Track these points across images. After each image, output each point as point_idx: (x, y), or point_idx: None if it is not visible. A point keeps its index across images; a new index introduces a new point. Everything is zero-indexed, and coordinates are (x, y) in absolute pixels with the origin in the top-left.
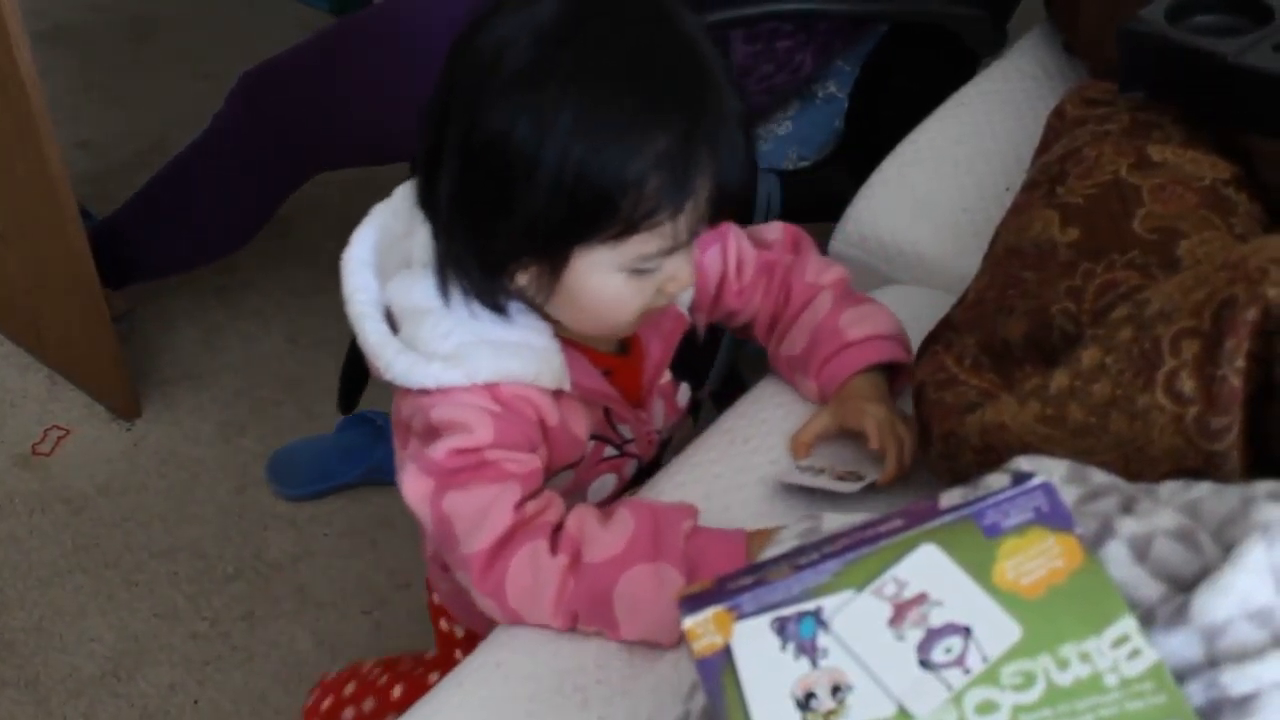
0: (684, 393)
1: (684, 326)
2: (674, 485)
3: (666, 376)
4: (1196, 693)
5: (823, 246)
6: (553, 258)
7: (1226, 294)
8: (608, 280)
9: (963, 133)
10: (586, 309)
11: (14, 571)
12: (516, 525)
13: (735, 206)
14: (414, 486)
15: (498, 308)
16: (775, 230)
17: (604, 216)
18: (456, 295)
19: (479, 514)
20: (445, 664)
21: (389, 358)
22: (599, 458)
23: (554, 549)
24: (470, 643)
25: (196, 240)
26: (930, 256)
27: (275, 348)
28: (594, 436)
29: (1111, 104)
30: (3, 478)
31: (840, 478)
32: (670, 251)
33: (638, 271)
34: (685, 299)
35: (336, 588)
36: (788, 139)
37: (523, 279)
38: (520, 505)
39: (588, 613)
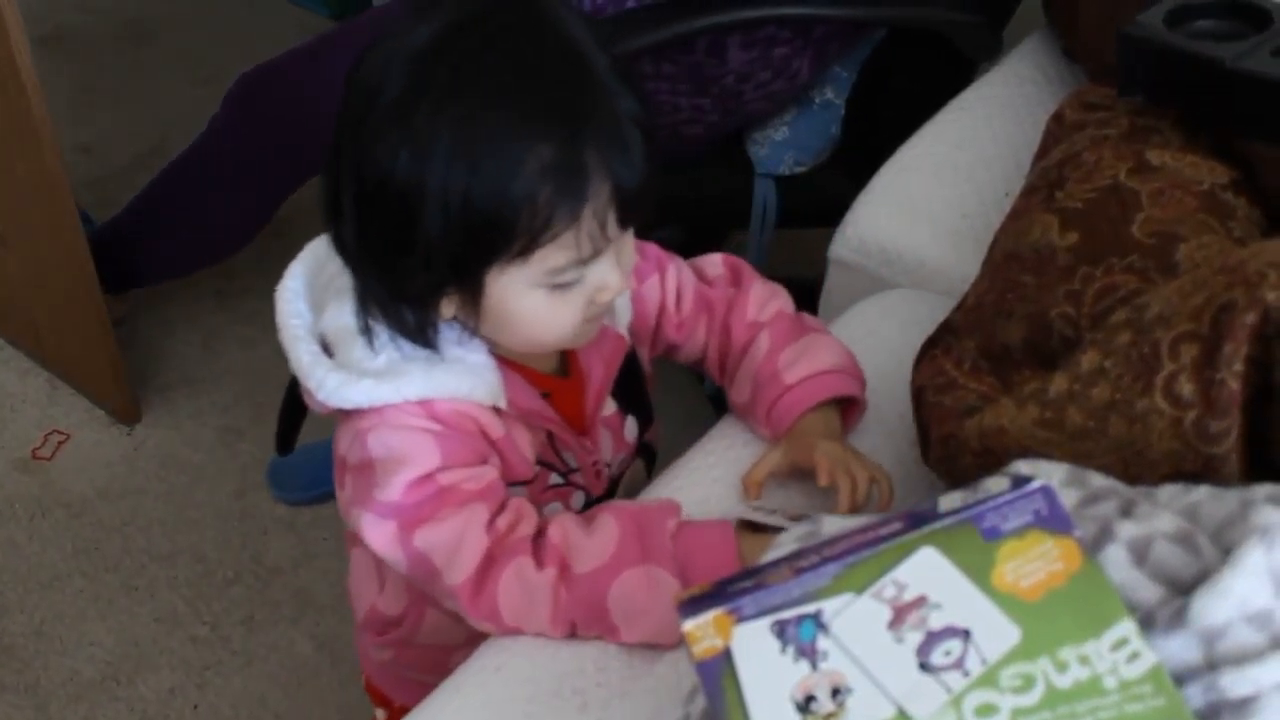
0: (631, 427)
1: (624, 348)
2: (671, 490)
3: (612, 407)
4: (1195, 695)
5: (821, 251)
6: (468, 285)
7: (1225, 298)
8: (528, 299)
9: (962, 138)
10: (518, 330)
11: (13, 576)
12: (493, 546)
13: (642, 206)
14: (377, 534)
15: (429, 344)
16: (715, 264)
17: (500, 236)
18: (383, 335)
19: (454, 543)
20: None
21: (320, 377)
22: (544, 485)
23: (540, 562)
24: None
25: (196, 243)
26: (929, 261)
27: (275, 352)
28: (539, 462)
29: (1110, 108)
30: (2, 482)
31: (793, 519)
32: (584, 261)
33: (559, 286)
34: (623, 320)
35: (336, 592)
36: (784, 144)
37: (449, 310)
38: (491, 523)
39: (585, 621)
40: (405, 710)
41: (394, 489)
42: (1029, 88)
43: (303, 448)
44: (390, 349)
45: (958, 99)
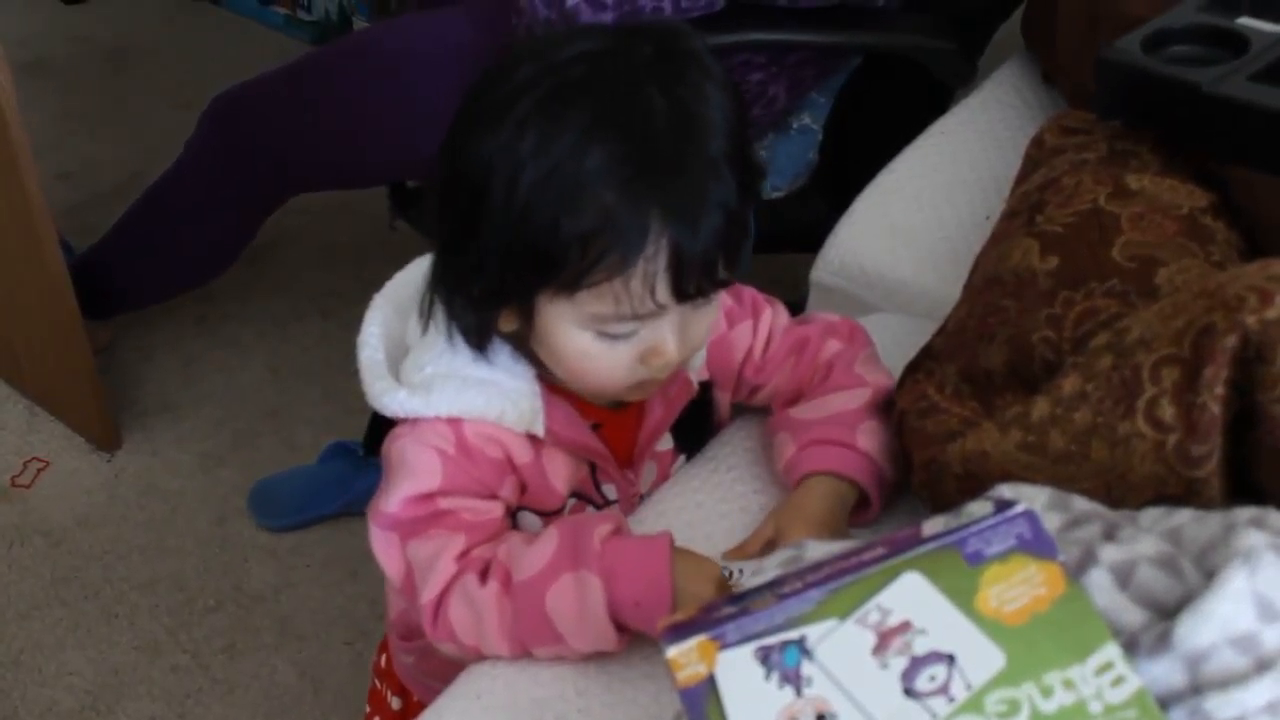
0: (680, 465)
1: (690, 394)
2: (656, 514)
3: (668, 444)
4: None
5: (798, 276)
6: (522, 303)
7: (1205, 321)
8: (575, 338)
9: (942, 162)
10: (564, 364)
11: None
12: (459, 573)
13: (705, 286)
14: (379, 546)
15: (480, 348)
16: (831, 318)
17: (547, 264)
18: (437, 325)
19: (427, 564)
20: None
21: (369, 381)
22: None
23: (484, 579)
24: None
25: (176, 267)
26: (911, 284)
27: (255, 378)
28: (575, 494)
29: (1089, 133)
30: None
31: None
32: (635, 318)
33: (608, 335)
34: (695, 365)
35: (318, 619)
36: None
37: (508, 324)
38: (465, 553)
39: (532, 633)
40: (421, 706)
41: (393, 500)
42: (1008, 112)
43: (284, 473)
44: (436, 363)
45: (938, 123)
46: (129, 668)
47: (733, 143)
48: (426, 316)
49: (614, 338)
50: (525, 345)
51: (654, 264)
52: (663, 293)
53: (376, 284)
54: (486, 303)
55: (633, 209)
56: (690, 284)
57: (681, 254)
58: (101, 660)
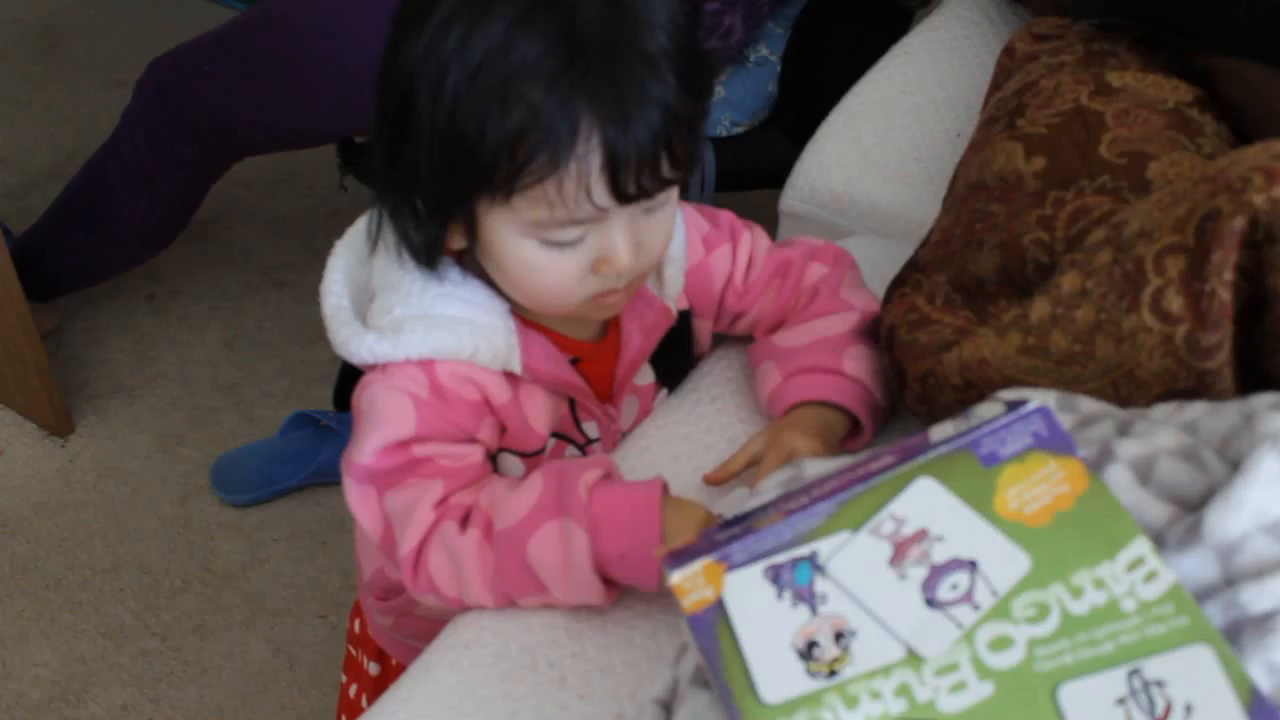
0: (662, 399)
1: (669, 321)
2: (639, 450)
3: (649, 377)
4: (1215, 614)
5: (763, 212)
6: (461, 213)
7: (1209, 206)
8: (520, 248)
9: (908, 82)
10: (512, 279)
11: None
12: (438, 521)
13: (645, 187)
14: (354, 500)
15: (431, 265)
16: (817, 242)
17: (477, 168)
18: (386, 245)
19: (405, 514)
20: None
21: (334, 329)
22: (559, 458)
23: (464, 526)
24: (381, 685)
25: (120, 241)
26: (883, 206)
27: (209, 354)
28: (556, 434)
29: (1061, 38)
30: None
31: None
32: (575, 223)
33: (553, 244)
34: (673, 291)
35: (289, 593)
36: (721, 105)
37: (456, 239)
38: (444, 500)
39: (515, 583)
40: (401, 669)
41: (366, 451)
42: (972, 29)
43: (246, 448)
44: (405, 305)
45: (901, 43)
46: (96, 655)
47: (676, 41)
48: (375, 238)
49: (560, 245)
50: (477, 265)
51: (586, 164)
52: (600, 194)
53: (328, 253)
54: (430, 218)
55: (560, 105)
56: (629, 184)
57: (615, 153)
58: (67, 649)
